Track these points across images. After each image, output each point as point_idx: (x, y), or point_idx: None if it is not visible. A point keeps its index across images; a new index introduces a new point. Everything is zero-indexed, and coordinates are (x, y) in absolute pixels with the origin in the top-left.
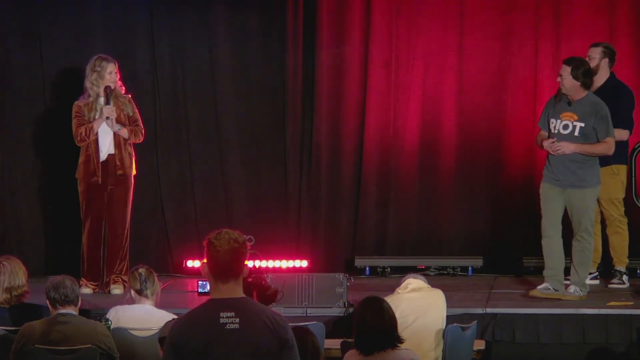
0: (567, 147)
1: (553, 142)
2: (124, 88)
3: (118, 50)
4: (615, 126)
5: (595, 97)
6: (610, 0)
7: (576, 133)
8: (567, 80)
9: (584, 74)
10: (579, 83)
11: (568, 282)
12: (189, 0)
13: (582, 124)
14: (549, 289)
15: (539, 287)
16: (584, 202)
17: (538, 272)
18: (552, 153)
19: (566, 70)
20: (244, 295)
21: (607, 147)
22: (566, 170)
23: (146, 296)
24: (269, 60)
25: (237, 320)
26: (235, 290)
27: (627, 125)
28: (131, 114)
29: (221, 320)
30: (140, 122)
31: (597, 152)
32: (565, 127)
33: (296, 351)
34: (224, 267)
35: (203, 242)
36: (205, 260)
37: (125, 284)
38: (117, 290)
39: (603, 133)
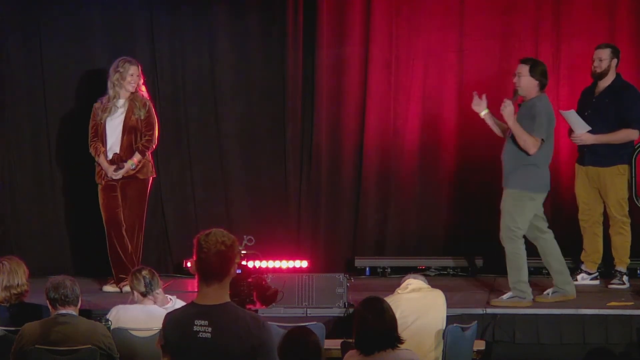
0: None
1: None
2: (145, 92)
3: (118, 50)
4: (625, 126)
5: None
6: (610, 0)
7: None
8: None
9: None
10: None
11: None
12: (189, 0)
13: None
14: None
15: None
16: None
17: (538, 273)
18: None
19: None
20: (225, 301)
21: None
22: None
23: (150, 298)
24: (269, 60)
25: (210, 329)
26: (217, 295)
27: (637, 125)
28: (143, 118)
29: (195, 328)
30: (154, 127)
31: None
32: None
33: (272, 355)
34: (209, 270)
35: (194, 239)
36: (194, 259)
37: (119, 286)
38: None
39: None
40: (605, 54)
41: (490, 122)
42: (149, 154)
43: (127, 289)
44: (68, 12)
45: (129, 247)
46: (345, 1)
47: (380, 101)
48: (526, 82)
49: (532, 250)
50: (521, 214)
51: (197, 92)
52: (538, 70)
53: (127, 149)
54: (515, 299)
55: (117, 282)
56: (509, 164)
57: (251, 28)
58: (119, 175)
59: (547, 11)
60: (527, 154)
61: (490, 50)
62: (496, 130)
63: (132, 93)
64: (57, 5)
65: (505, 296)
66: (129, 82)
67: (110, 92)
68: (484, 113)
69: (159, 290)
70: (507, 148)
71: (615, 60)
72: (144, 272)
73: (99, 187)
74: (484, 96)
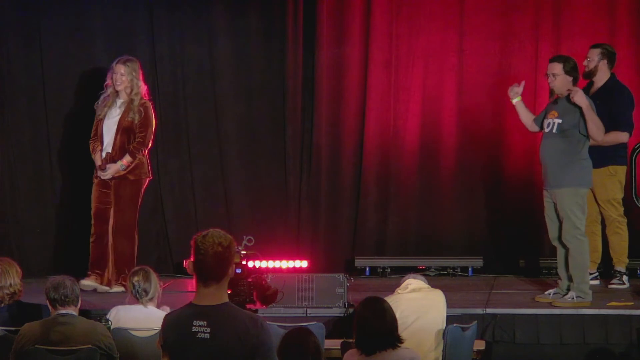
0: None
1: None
2: (144, 91)
3: (118, 50)
4: (614, 128)
5: None
6: (610, 1)
7: (554, 130)
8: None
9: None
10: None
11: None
12: (189, 0)
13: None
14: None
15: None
16: (562, 204)
17: (539, 273)
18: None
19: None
20: (223, 301)
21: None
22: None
23: (144, 300)
24: (269, 60)
25: (208, 330)
26: (215, 296)
27: (626, 128)
28: (136, 121)
29: (193, 329)
30: (147, 129)
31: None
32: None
33: (271, 355)
34: (207, 272)
35: (190, 241)
36: (191, 260)
37: (119, 285)
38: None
39: None
40: (593, 53)
41: (520, 109)
42: (143, 156)
43: (89, 283)
44: (68, 12)
45: (111, 245)
46: (345, 1)
47: (380, 101)
48: (561, 81)
49: (534, 250)
50: (583, 211)
51: (197, 92)
52: (571, 67)
53: (120, 150)
54: (579, 299)
55: (90, 274)
56: (557, 161)
57: (251, 28)
58: (107, 175)
59: (547, 11)
60: (578, 149)
61: (490, 50)
62: (525, 118)
63: (131, 93)
64: (57, 5)
65: (567, 297)
66: (114, 79)
67: (110, 88)
68: (516, 100)
69: (153, 297)
70: (552, 145)
71: (604, 61)
72: (135, 279)
73: (94, 183)
74: (522, 83)
